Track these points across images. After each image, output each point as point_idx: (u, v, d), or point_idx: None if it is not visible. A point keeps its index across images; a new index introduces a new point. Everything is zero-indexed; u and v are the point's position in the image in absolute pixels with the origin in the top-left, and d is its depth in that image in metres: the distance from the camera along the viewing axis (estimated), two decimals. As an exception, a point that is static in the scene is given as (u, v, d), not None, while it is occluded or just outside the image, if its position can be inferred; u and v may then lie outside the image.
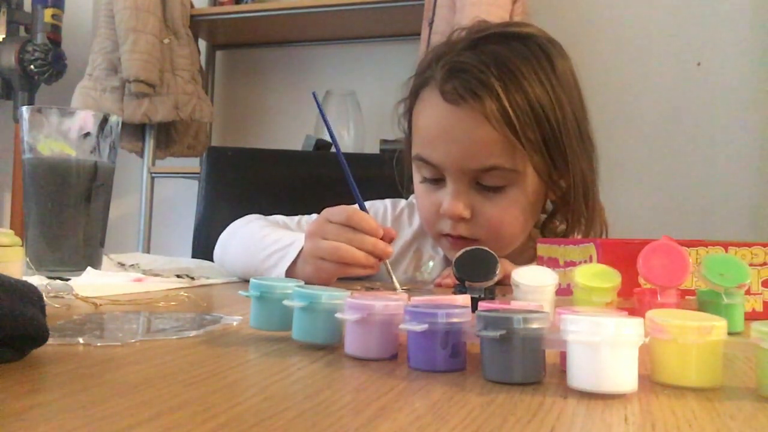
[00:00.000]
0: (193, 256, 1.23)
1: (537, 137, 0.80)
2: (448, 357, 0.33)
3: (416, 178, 0.90)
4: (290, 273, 0.76)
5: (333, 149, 1.77)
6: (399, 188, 1.00)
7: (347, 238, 0.70)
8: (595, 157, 0.88)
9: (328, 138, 1.89)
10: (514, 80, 0.79)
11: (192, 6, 2.11)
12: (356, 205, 0.75)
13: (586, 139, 0.86)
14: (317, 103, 0.78)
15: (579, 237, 0.89)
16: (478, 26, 0.88)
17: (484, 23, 0.89)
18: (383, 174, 1.00)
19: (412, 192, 0.95)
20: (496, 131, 0.78)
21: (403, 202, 1.01)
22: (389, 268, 0.72)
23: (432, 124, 0.84)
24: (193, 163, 2.20)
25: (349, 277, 0.73)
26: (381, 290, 0.69)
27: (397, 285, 0.70)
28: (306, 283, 0.41)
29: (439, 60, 0.84)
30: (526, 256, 0.91)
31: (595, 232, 0.89)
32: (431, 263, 0.92)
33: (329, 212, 0.74)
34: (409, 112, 0.91)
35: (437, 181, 0.86)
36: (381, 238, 0.70)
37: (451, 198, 0.83)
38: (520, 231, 0.87)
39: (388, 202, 1.02)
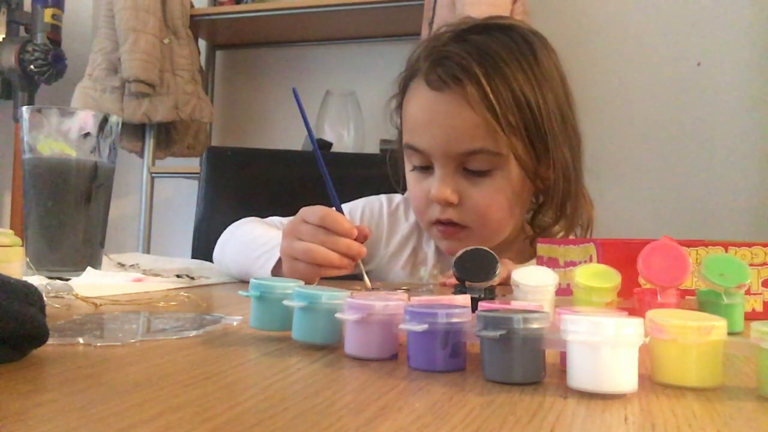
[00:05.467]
0: (193, 257, 1.23)
1: (518, 122, 0.82)
2: (448, 357, 0.33)
3: (407, 167, 0.92)
4: (276, 272, 0.76)
5: (331, 150, 1.78)
6: (395, 186, 1.01)
7: (321, 240, 0.70)
8: (581, 149, 0.90)
9: (327, 138, 1.89)
10: (496, 67, 0.82)
11: (192, 6, 2.11)
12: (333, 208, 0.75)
13: (570, 130, 0.88)
14: (297, 100, 0.78)
15: (563, 228, 0.90)
16: (463, 21, 0.91)
17: (468, 18, 0.92)
18: (383, 174, 1.00)
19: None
20: (477, 115, 0.80)
21: (398, 197, 1.02)
22: (362, 267, 0.72)
23: (418, 112, 0.87)
24: (193, 163, 2.20)
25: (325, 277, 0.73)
26: (381, 290, 0.69)
27: (368, 283, 0.71)
28: None
29: (425, 52, 0.87)
30: (515, 247, 0.92)
31: (582, 225, 0.90)
32: (429, 269, 0.93)
33: (305, 212, 0.73)
34: (400, 107, 0.93)
35: (426, 168, 0.88)
36: (355, 239, 0.70)
37: (438, 183, 0.85)
38: (507, 216, 0.88)
39: (383, 197, 1.03)
